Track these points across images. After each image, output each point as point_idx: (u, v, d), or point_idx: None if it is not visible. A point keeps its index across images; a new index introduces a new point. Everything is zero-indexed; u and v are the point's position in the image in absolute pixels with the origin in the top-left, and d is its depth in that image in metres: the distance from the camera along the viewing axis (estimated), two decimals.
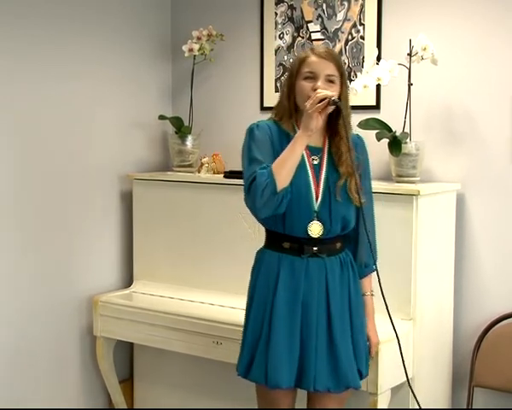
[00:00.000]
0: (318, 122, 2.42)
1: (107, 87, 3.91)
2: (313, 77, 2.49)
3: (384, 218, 3.13)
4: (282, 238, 2.53)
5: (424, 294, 3.18)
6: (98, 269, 3.95)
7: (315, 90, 2.45)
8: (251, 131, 2.53)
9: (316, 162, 2.54)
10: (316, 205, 2.50)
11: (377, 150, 3.42)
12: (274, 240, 2.57)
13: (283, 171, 2.40)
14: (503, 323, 3.29)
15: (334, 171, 2.55)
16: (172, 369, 3.87)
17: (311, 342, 2.50)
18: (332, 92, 2.43)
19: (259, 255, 2.65)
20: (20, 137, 3.53)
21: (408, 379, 2.73)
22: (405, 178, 3.31)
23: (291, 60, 2.65)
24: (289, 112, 2.54)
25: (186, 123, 4.03)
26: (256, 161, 2.45)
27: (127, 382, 4.10)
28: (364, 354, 2.63)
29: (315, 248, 2.52)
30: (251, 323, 2.58)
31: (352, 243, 2.66)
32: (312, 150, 2.54)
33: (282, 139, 2.52)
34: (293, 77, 2.54)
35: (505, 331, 3.28)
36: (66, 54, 3.69)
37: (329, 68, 2.49)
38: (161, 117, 4.04)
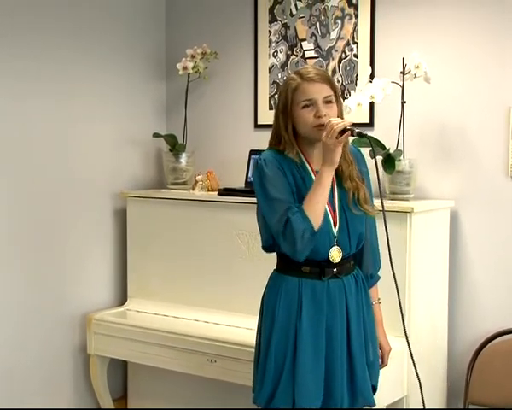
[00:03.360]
0: (339, 153, 2.38)
1: (102, 105, 3.92)
2: (311, 104, 2.41)
3: (378, 235, 3.13)
4: (302, 263, 2.46)
5: (418, 311, 3.18)
6: (92, 287, 3.93)
7: (319, 117, 2.40)
8: (260, 170, 2.45)
9: None
10: (335, 231, 2.48)
11: (371, 168, 3.44)
12: (291, 265, 2.49)
13: (317, 210, 2.37)
14: (497, 340, 3.29)
15: (344, 190, 2.52)
16: (167, 387, 3.85)
17: (336, 364, 2.46)
18: (348, 121, 2.38)
19: (275, 281, 2.56)
20: (14, 154, 3.53)
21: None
22: (399, 196, 3.32)
23: (279, 88, 2.47)
24: (291, 142, 2.47)
25: (180, 141, 4.04)
26: (277, 201, 2.40)
27: (121, 400, 4.07)
28: (377, 368, 2.62)
29: (335, 270, 2.49)
30: (273, 351, 2.48)
31: (358, 255, 2.63)
32: None
33: (291, 167, 2.47)
34: (288, 107, 2.44)
35: (499, 349, 3.28)
36: (61, 72, 3.70)
37: (325, 90, 2.42)
38: (156, 135, 4.05)
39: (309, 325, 2.45)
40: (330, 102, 2.44)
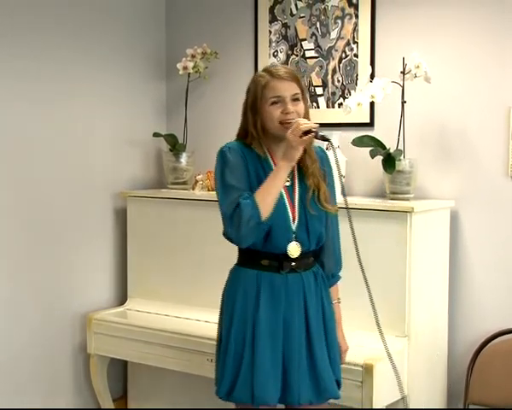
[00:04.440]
0: (300, 152, 2.46)
1: (102, 105, 3.92)
2: (280, 101, 2.48)
3: (378, 235, 3.14)
4: (261, 256, 2.54)
5: (419, 311, 3.18)
6: (92, 287, 3.94)
7: (286, 113, 2.47)
8: (223, 155, 2.53)
9: (288, 184, 2.55)
10: (293, 226, 2.53)
11: (371, 167, 3.44)
12: (251, 258, 2.56)
13: (267, 201, 2.43)
14: (497, 340, 3.28)
15: (305, 189, 2.57)
16: (167, 387, 3.85)
17: (293, 357, 2.52)
18: (314, 123, 2.45)
19: (235, 274, 2.64)
20: (14, 154, 3.54)
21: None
22: (399, 196, 3.32)
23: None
24: (258, 138, 2.54)
25: (180, 140, 4.04)
26: (232, 188, 2.46)
27: (121, 400, 4.08)
28: (339, 364, 2.66)
29: (293, 264, 2.54)
30: (232, 343, 2.54)
31: (319, 255, 2.68)
32: None
33: (255, 161, 2.54)
34: (257, 102, 2.51)
35: (500, 349, 3.28)
36: (62, 72, 3.70)
37: (293, 88, 2.50)
38: (156, 134, 4.05)
39: (266, 316, 2.50)
40: (297, 100, 2.52)
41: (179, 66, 3.92)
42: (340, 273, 2.73)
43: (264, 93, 2.49)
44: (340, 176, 2.57)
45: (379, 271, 3.12)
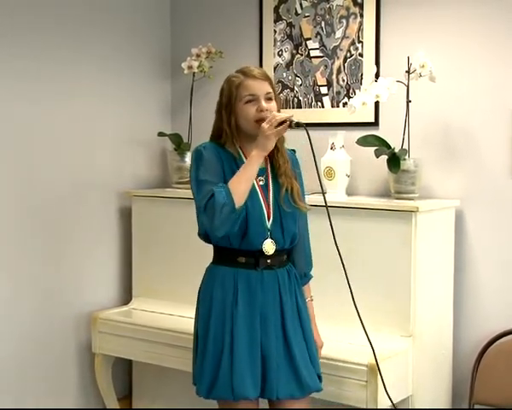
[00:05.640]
0: (274, 143, 2.51)
1: (107, 104, 3.92)
2: (254, 99, 2.56)
3: (383, 234, 3.13)
4: (238, 253, 2.60)
5: (423, 311, 3.18)
6: (97, 286, 3.94)
7: (261, 111, 2.54)
8: (199, 154, 2.58)
9: (262, 183, 2.62)
10: (268, 224, 2.59)
11: (376, 167, 3.44)
12: (228, 255, 2.62)
13: (240, 189, 2.47)
14: (502, 340, 3.28)
15: (279, 187, 2.63)
16: (171, 386, 3.85)
17: (271, 351, 2.56)
18: (288, 114, 2.52)
19: (212, 272, 2.69)
20: (18, 153, 3.54)
21: None
22: (404, 195, 3.31)
23: (224, 85, 2.67)
24: (232, 136, 2.60)
25: (185, 140, 4.04)
26: (206, 182, 2.51)
27: (126, 399, 4.08)
28: (318, 357, 2.70)
29: (268, 261, 2.60)
30: (211, 341, 2.58)
31: (291, 254, 2.73)
32: (258, 171, 2.57)
33: (230, 161, 2.59)
34: (231, 101, 2.58)
35: (504, 348, 3.27)
36: (67, 72, 3.71)
37: (266, 87, 2.58)
38: (161, 134, 4.05)
39: (244, 312, 2.56)
40: (270, 99, 2.60)
41: (184, 65, 3.93)
42: (312, 273, 2.79)
43: (239, 92, 2.58)
44: (314, 156, 2.61)
45: (383, 270, 3.12)
